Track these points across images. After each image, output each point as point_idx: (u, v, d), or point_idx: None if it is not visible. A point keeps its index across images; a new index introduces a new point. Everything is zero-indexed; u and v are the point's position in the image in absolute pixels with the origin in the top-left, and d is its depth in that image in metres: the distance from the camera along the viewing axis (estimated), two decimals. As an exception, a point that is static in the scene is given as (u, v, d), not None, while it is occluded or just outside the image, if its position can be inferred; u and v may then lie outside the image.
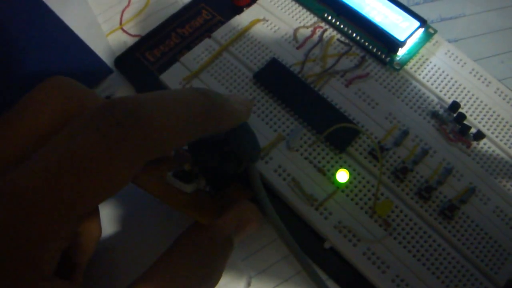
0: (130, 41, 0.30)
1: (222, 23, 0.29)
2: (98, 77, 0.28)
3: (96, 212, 0.20)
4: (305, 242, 0.23)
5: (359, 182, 0.24)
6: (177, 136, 0.15)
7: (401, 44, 0.26)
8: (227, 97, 0.18)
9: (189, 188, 0.19)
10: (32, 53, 0.27)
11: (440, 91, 0.27)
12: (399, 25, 0.27)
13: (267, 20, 0.28)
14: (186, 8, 0.30)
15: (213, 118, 0.16)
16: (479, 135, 0.25)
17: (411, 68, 0.27)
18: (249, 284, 0.23)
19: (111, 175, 0.14)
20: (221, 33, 0.28)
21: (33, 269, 0.13)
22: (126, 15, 0.32)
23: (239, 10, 0.29)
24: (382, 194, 0.24)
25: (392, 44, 0.26)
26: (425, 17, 0.31)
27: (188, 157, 0.21)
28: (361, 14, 0.27)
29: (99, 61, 0.28)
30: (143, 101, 0.14)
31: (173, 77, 0.26)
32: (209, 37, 0.28)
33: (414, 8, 0.31)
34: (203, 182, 0.20)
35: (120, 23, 0.31)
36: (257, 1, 0.29)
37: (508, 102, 0.27)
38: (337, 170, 0.24)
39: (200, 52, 0.27)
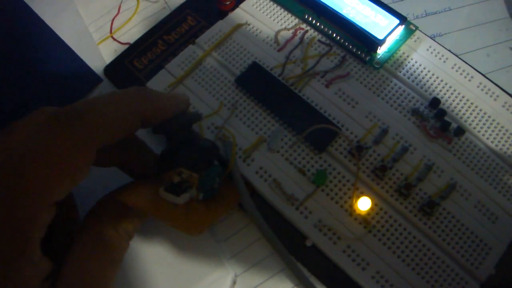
0: (121, 49, 0.31)
1: (207, 28, 0.29)
2: (88, 86, 0.29)
3: (71, 202, 0.21)
4: (288, 240, 0.24)
5: (339, 181, 0.24)
6: (113, 124, 0.17)
7: (380, 42, 0.26)
8: (161, 94, 0.20)
9: (182, 200, 0.20)
10: (23, 64, 0.28)
11: (421, 87, 0.27)
12: (379, 24, 0.27)
13: (249, 24, 0.29)
14: (171, 15, 0.31)
15: (144, 109, 0.19)
16: (460, 131, 0.25)
17: (391, 66, 0.27)
18: (234, 283, 0.24)
19: (67, 161, 0.16)
20: (205, 38, 0.29)
21: (16, 255, 0.16)
22: (116, 23, 0.33)
23: (224, 15, 0.30)
24: (361, 193, 0.24)
25: (371, 43, 0.26)
26: (410, 13, 0.31)
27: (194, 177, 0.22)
28: (340, 14, 0.27)
29: (88, 70, 0.29)
30: (83, 101, 0.17)
31: (158, 84, 0.27)
32: (194, 43, 0.29)
33: (399, 4, 0.32)
34: (194, 191, 0.21)
35: (111, 32, 0.32)
36: (240, 6, 0.30)
37: (491, 96, 0.27)
38: (317, 170, 0.24)
39: (184, 59, 0.28)
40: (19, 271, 0.16)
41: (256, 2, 0.30)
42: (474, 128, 0.26)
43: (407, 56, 0.28)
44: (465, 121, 0.26)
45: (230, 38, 0.28)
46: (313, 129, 0.24)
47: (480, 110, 0.26)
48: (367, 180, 0.24)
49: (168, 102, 0.20)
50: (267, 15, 0.29)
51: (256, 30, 0.29)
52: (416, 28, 0.28)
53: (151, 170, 0.22)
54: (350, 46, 0.27)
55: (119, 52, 0.31)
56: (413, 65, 0.27)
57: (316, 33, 0.28)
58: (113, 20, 0.33)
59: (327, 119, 0.25)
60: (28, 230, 0.16)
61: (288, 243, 0.23)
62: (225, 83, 0.27)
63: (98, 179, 0.23)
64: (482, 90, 0.27)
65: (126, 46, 0.31)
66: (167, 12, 0.32)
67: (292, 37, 0.28)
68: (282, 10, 0.29)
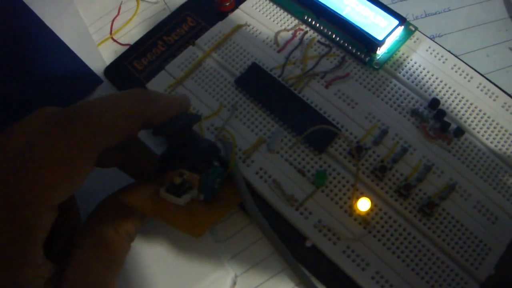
0: (121, 50, 0.31)
1: (207, 29, 0.30)
2: (88, 87, 0.29)
3: (73, 203, 0.21)
4: (288, 240, 0.24)
5: (339, 182, 0.24)
6: (114, 125, 0.17)
7: (380, 43, 0.26)
8: (161, 95, 0.20)
9: (183, 200, 0.20)
10: (24, 65, 0.28)
11: (421, 88, 0.27)
12: (378, 25, 0.27)
13: (249, 25, 0.29)
14: (171, 16, 0.31)
15: (144, 110, 0.18)
16: (459, 132, 0.25)
17: (391, 66, 0.27)
18: (234, 283, 0.24)
19: (68, 163, 0.16)
20: (205, 39, 0.29)
21: (19, 258, 0.16)
22: (116, 25, 0.33)
23: (224, 16, 0.30)
24: (361, 194, 0.24)
25: (370, 43, 0.26)
26: (410, 13, 0.31)
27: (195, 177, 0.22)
28: (340, 15, 0.27)
29: (88, 71, 0.29)
30: (84, 103, 0.17)
31: (159, 85, 0.27)
32: (194, 44, 0.29)
33: (399, 5, 0.32)
34: (195, 192, 0.21)
35: (111, 33, 0.32)
36: (239, 7, 0.30)
37: (490, 97, 0.27)
38: (317, 170, 0.24)
39: (184, 60, 0.28)
40: (22, 273, 0.16)
41: (255, 3, 0.30)
42: (474, 128, 0.26)
43: (407, 57, 0.28)
44: (465, 121, 0.26)
45: (230, 39, 0.29)
46: (313, 130, 0.24)
47: (480, 110, 0.26)
48: (367, 181, 0.24)
49: (168, 103, 0.20)
50: (266, 16, 0.29)
51: (256, 31, 0.29)
52: (416, 28, 0.28)
53: (152, 171, 0.22)
54: (350, 47, 0.27)
55: (119, 53, 0.31)
56: (412, 66, 0.27)
57: (315, 34, 0.28)
58: (113, 21, 0.33)
59: (326, 119, 0.25)
60: (30, 232, 0.16)
61: (288, 244, 0.23)
62: (225, 84, 0.27)
63: (99, 180, 0.23)
64: (481, 90, 0.27)
65: (126, 47, 0.31)
66: (167, 13, 0.32)
67: (292, 38, 0.28)
68: (282, 11, 0.29)
